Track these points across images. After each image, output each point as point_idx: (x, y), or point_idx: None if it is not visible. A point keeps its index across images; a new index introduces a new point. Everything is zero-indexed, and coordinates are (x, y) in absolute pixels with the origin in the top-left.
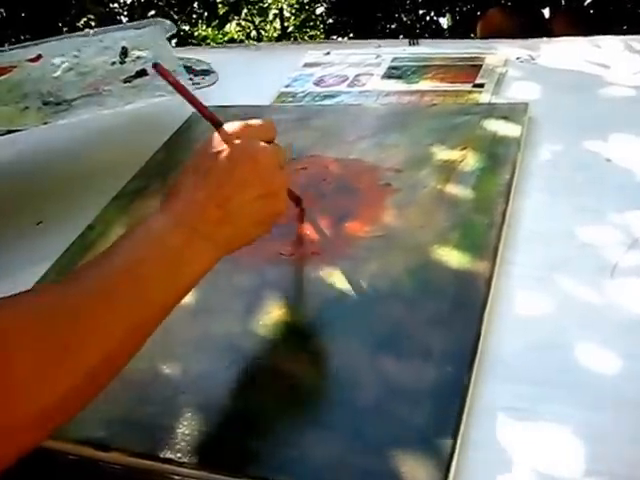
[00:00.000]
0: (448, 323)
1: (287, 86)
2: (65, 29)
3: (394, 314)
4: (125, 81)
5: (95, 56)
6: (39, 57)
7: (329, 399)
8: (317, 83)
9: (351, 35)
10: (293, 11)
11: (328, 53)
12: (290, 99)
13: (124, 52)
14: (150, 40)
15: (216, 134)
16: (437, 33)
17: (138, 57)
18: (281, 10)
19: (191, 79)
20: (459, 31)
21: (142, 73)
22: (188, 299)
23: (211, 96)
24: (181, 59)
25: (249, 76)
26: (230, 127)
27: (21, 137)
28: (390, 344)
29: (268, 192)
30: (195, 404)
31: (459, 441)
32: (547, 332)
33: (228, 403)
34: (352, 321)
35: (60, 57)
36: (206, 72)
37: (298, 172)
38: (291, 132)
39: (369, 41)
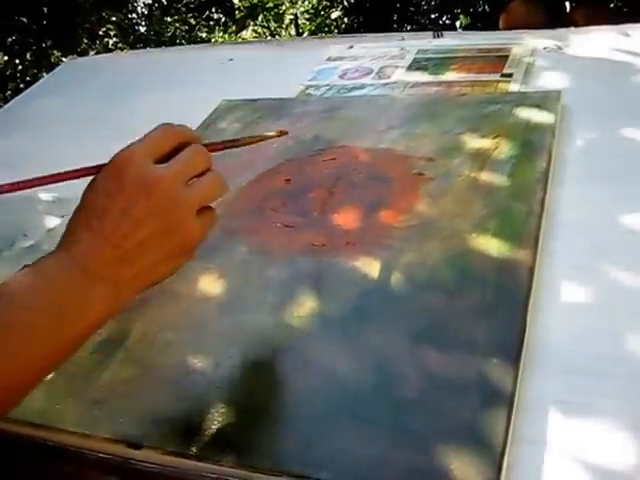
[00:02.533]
0: (492, 313)
1: (311, 79)
2: (85, 37)
3: (435, 304)
4: None
5: None
6: None
7: (369, 393)
8: (342, 76)
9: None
10: (308, 16)
11: (351, 47)
12: (315, 92)
13: None
14: None
15: (109, 166)
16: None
17: None
18: (296, 16)
19: None
20: (475, 29)
21: None
22: (219, 292)
23: (236, 91)
24: None
25: (273, 70)
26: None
27: None
28: (432, 335)
29: (168, 226)
30: (229, 399)
31: (510, 437)
32: (595, 321)
33: (264, 398)
34: (391, 312)
35: None
36: None
37: (327, 163)
38: (319, 123)
39: (393, 34)
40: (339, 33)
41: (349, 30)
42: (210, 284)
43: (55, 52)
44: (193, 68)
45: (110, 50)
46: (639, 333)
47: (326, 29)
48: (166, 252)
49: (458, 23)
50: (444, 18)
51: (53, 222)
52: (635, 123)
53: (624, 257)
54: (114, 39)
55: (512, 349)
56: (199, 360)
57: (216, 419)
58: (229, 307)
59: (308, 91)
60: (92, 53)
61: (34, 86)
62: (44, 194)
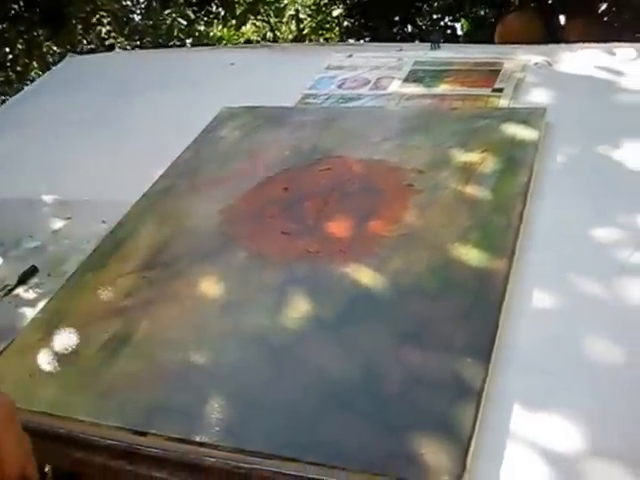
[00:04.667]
0: (468, 317)
1: (310, 88)
2: (80, 26)
3: (418, 309)
4: None
5: None
6: None
7: (356, 387)
8: (340, 85)
9: (366, 35)
10: (309, 12)
11: (350, 56)
12: (313, 101)
13: None
14: None
15: None
16: (452, 38)
17: None
18: (297, 11)
19: None
20: (475, 36)
21: None
22: (220, 294)
23: (236, 96)
24: None
25: (273, 77)
26: None
27: None
28: (414, 337)
29: None
30: (228, 391)
31: (477, 426)
32: (560, 326)
33: (260, 391)
34: (378, 315)
35: None
36: None
37: (323, 173)
38: (316, 133)
39: (391, 44)
40: (340, 31)
41: (350, 29)
42: (211, 287)
43: (48, 42)
44: (195, 71)
45: (104, 40)
46: (599, 338)
47: (327, 26)
48: None
49: (459, 25)
50: (446, 19)
51: (57, 224)
52: (614, 140)
53: (592, 269)
54: (107, 27)
55: (484, 350)
56: (200, 356)
57: (216, 409)
58: (228, 308)
59: (307, 100)
60: (85, 43)
61: (34, 84)
62: (48, 196)
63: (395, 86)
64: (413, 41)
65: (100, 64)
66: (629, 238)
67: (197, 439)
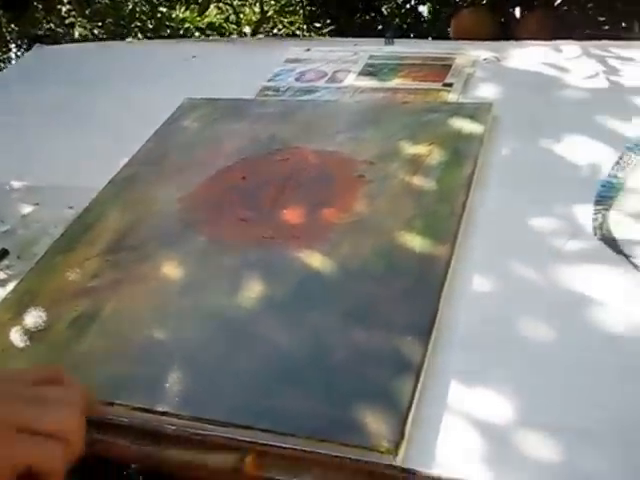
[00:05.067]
0: (410, 299)
1: (270, 80)
2: (40, 6)
3: (364, 290)
4: None
5: None
6: None
7: (305, 361)
8: (298, 78)
9: (329, 21)
10: None
11: (308, 50)
12: (272, 93)
13: None
14: None
15: None
16: (416, 22)
17: None
18: None
19: None
20: (438, 21)
21: None
22: (181, 276)
23: (198, 88)
24: None
25: (234, 69)
26: None
27: None
28: (359, 316)
29: None
30: (188, 365)
31: (416, 398)
32: (497, 308)
33: (217, 364)
34: (326, 296)
35: None
36: None
37: (280, 163)
38: (275, 125)
39: (347, 39)
40: (304, 14)
41: (314, 13)
42: (172, 269)
43: (7, 24)
44: (158, 63)
45: (64, 19)
46: (534, 319)
47: (291, 9)
48: None
49: (425, 8)
50: (412, 2)
51: (27, 209)
52: (555, 134)
53: (530, 255)
54: (67, 6)
55: (424, 328)
56: (162, 333)
57: (176, 381)
58: (188, 289)
59: (266, 92)
60: (45, 22)
61: (0, 74)
62: (16, 182)
63: (350, 79)
64: (375, 29)
65: (67, 55)
66: (565, 227)
67: (159, 409)
